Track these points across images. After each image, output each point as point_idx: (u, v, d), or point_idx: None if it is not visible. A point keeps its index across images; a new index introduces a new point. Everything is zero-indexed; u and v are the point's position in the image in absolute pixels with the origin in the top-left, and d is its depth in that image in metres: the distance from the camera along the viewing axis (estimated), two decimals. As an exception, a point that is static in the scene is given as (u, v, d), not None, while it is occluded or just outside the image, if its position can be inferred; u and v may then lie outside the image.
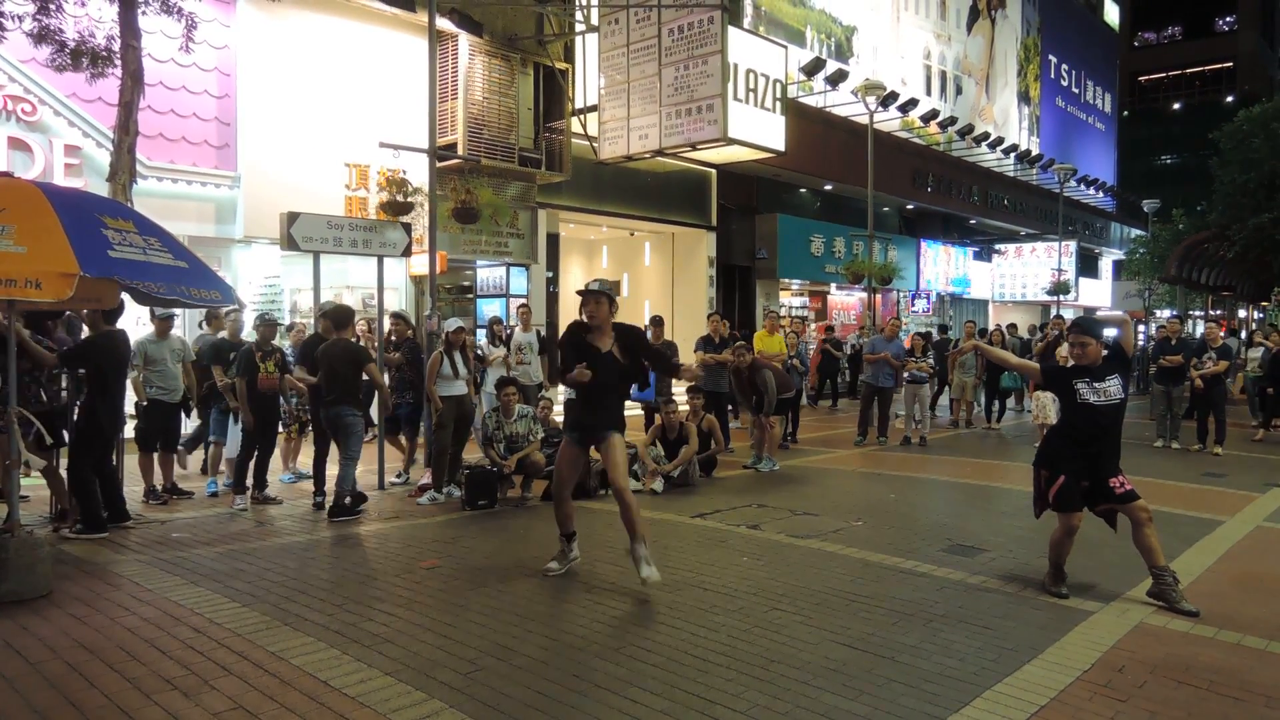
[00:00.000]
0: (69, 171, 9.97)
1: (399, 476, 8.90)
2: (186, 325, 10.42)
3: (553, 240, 15.10)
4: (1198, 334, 16.63)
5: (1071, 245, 27.24)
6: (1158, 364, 11.78)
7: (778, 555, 5.99)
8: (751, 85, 14.01)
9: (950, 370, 14.34)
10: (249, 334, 8.47)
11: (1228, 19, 58.22)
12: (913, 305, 24.12)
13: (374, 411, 8.76)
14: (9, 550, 4.89)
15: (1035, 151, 29.04)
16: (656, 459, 8.54)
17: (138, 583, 5.23)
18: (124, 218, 5.29)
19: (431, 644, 4.22)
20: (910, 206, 24.24)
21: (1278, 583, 5.47)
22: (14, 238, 4.55)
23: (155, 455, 7.78)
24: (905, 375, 12.00)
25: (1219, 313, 34.69)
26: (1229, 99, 50.54)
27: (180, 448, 8.33)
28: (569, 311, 14.30)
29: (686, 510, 7.47)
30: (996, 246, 28.61)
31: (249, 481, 7.63)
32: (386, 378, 8.47)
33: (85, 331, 7.26)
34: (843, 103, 19.24)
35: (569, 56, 14.46)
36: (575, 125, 14.19)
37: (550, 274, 15.08)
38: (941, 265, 25.18)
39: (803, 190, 21.28)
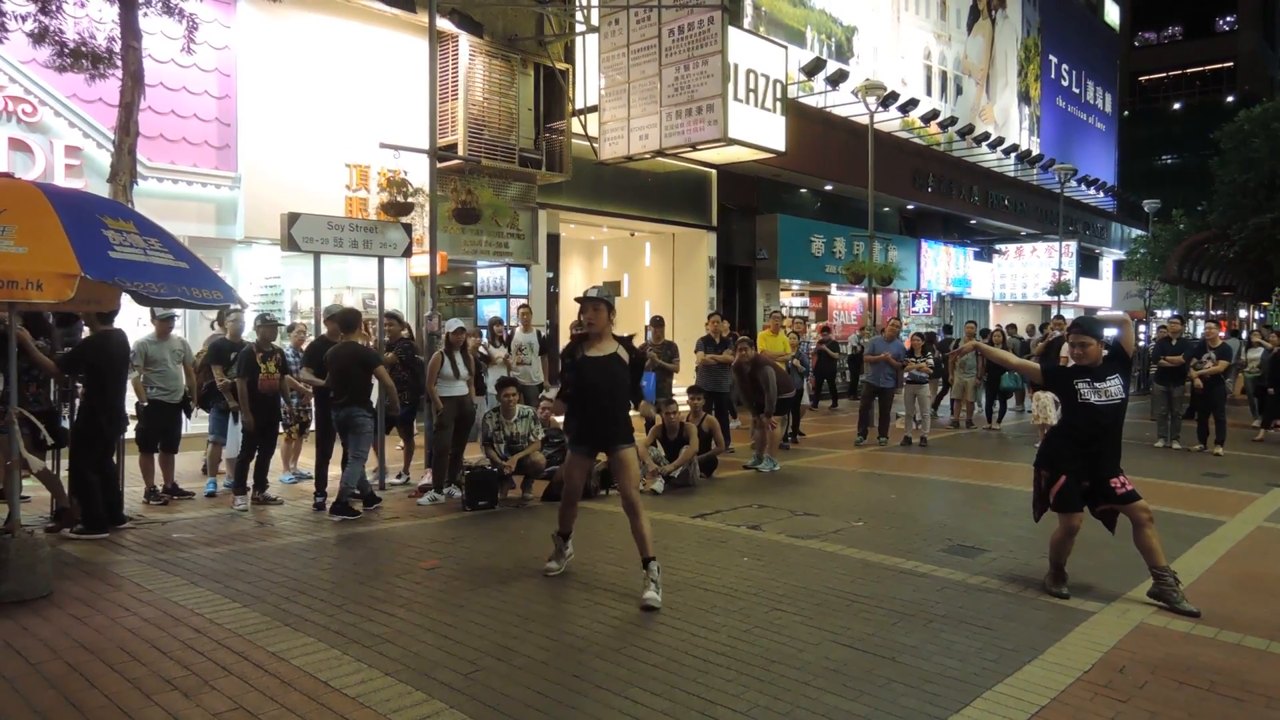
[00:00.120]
0: (69, 172, 9.97)
1: (399, 477, 8.91)
2: (187, 326, 10.43)
3: (553, 241, 15.09)
4: (1198, 334, 16.63)
5: (1072, 245, 27.18)
6: (1158, 364, 11.78)
7: (778, 556, 5.99)
8: (752, 85, 14.00)
9: (951, 371, 14.34)
10: (249, 334, 8.48)
11: (1228, 19, 58.18)
12: (913, 305, 24.11)
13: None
14: (9, 550, 4.89)
15: (1035, 151, 28.99)
16: (657, 459, 8.55)
17: (138, 583, 5.23)
18: (125, 218, 5.29)
19: (432, 644, 4.22)
20: (910, 207, 24.21)
21: (1278, 583, 5.46)
22: (15, 239, 4.56)
23: (156, 456, 7.79)
24: (905, 375, 12.01)
25: (1219, 313, 34.66)
26: (1229, 99, 50.51)
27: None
28: (569, 312, 14.29)
29: (687, 510, 7.47)
30: (997, 247, 28.56)
31: (249, 482, 7.65)
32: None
33: (85, 331, 7.27)
34: (843, 103, 19.21)
35: (569, 57, 14.46)
36: (575, 125, 14.18)
37: (551, 274, 15.07)
38: (942, 265, 25.14)
39: (803, 190, 21.25)
